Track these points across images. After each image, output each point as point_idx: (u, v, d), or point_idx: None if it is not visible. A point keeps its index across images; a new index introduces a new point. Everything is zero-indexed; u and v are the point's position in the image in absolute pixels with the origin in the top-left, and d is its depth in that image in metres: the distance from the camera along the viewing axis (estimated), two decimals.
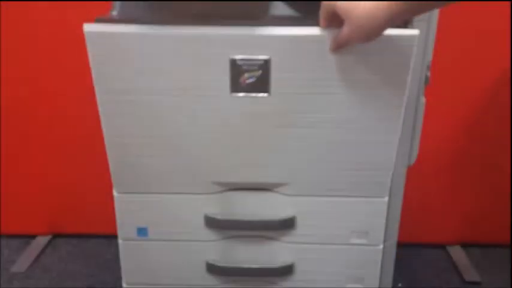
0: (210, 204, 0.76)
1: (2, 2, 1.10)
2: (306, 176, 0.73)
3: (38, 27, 1.12)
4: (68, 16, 1.08)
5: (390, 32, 0.59)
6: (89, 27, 0.64)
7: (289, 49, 0.63)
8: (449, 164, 1.22)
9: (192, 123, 0.68)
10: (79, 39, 1.09)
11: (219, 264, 0.80)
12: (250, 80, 0.65)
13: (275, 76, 0.65)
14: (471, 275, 1.20)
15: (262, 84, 0.65)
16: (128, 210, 0.77)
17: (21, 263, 1.24)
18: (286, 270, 0.80)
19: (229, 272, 0.81)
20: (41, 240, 1.32)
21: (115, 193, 0.76)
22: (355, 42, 0.60)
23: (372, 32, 0.57)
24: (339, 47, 0.62)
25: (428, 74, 0.78)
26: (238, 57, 0.64)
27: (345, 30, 0.58)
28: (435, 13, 0.72)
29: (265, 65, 0.64)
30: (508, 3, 1.06)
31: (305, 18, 0.70)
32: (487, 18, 1.07)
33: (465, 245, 1.30)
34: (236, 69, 0.64)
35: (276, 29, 0.63)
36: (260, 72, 0.64)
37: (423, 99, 0.79)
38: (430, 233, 1.28)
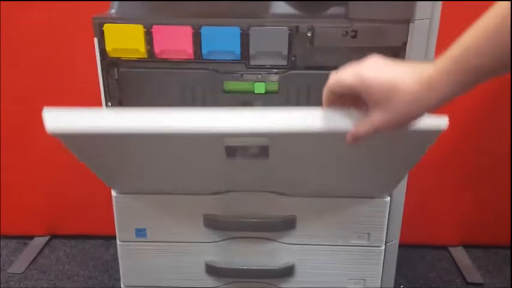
0: (209, 205, 0.75)
1: (2, 2, 1.09)
2: (307, 185, 0.72)
3: (35, 27, 1.11)
4: (66, 15, 1.08)
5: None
6: (50, 123, 0.54)
7: (290, 141, 0.56)
8: (451, 164, 1.21)
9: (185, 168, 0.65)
10: (77, 39, 1.09)
11: (218, 266, 0.79)
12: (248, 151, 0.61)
13: (275, 150, 0.59)
14: (473, 276, 1.19)
15: (260, 153, 0.60)
16: (126, 211, 0.76)
17: (19, 264, 1.23)
18: (287, 272, 0.79)
19: (228, 274, 0.80)
20: (39, 241, 1.30)
21: (114, 194, 0.75)
22: (387, 131, 0.46)
23: (415, 119, 0.45)
24: (362, 140, 0.48)
25: None
26: (234, 144, 0.58)
27: (378, 118, 0.45)
28: (437, 11, 0.72)
29: (264, 150, 0.59)
30: (508, 3, 1.05)
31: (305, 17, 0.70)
32: None
33: (467, 246, 1.29)
34: (232, 150, 0.59)
35: (274, 117, 0.52)
36: (259, 151, 0.59)
37: None
38: (432, 234, 1.27)
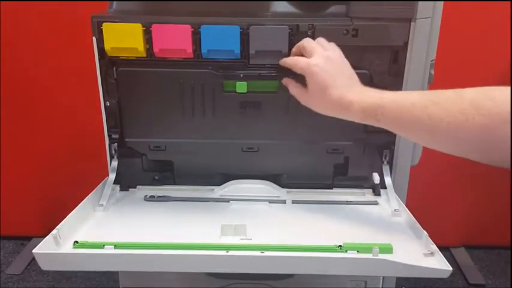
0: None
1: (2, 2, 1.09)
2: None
3: (35, 26, 1.11)
4: (65, 14, 1.07)
5: (421, 263, 0.56)
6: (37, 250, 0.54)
7: None
8: (452, 164, 1.20)
9: None
10: (75, 39, 1.08)
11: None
12: None
13: None
14: (475, 277, 1.18)
15: None
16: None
17: (17, 265, 1.22)
18: (286, 274, 0.78)
19: (227, 275, 0.79)
20: (37, 242, 1.29)
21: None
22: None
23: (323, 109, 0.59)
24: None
25: (432, 72, 0.77)
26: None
27: (307, 96, 0.61)
28: (439, 10, 0.71)
29: None
30: (508, 3, 1.05)
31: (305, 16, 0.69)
32: (487, 18, 1.07)
33: (469, 247, 1.28)
34: None
35: None
36: None
37: None
38: (434, 234, 1.26)
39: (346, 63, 0.60)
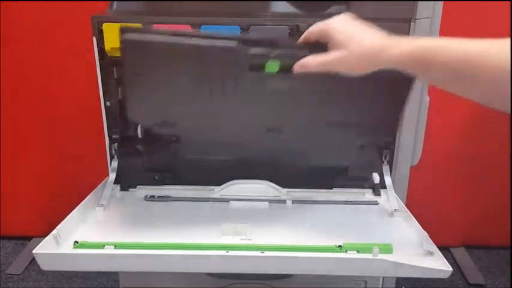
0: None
1: (2, 2, 1.09)
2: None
3: (35, 26, 1.11)
4: (65, 14, 1.07)
5: (421, 263, 0.56)
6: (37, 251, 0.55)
7: None
8: (453, 164, 1.20)
9: None
10: (75, 39, 1.08)
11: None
12: None
13: None
14: (475, 277, 1.18)
15: None
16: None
17: (17, 265, 1.22)
18: (286, 274, 0.78)
19: (228, 275, 0.79)
20: (37, 242, 1.29)
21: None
22: (335, 69, 0.52)
23: (362, 69, 0.51)
24: (309, 69, 0.53)
25: None
26: None
27: (333, 55, 0.51)
28: (439, 10, 0.71)
29: None
30: (508, 3, 1.05)
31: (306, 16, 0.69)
32: (487, 18, 1.06)
33: (469, 247, 1.28)
34: None
35: None
36: None
37: (427, 98, 0.78)
38: (434, 234, 1.26)
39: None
